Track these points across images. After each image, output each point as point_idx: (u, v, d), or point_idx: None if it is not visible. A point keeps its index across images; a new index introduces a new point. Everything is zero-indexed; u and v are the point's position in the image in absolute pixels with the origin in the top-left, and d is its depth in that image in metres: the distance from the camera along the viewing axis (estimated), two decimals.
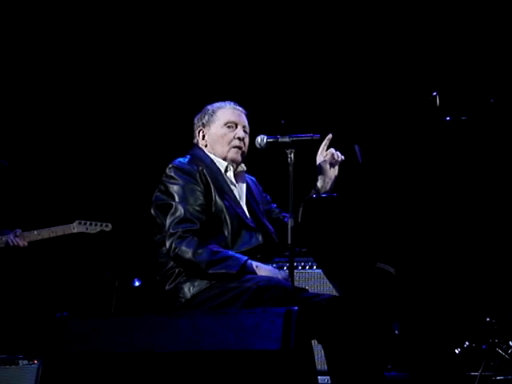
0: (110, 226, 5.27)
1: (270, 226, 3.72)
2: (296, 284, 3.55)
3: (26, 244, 4.96)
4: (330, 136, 3.71)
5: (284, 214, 3.84)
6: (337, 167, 3.72)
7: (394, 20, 5.98)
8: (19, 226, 5.04)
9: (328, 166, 3.70)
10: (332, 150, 3.70)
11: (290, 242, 3.41)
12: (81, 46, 6.33)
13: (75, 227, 5.13)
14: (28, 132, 6.27)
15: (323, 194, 3.63)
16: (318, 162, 3.72)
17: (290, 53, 6.20)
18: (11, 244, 4.90)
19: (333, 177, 3.71)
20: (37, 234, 5.02)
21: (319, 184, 3.69)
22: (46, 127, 6.35)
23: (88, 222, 5.18)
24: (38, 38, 6.26)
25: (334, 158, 3.70)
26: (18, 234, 4.94)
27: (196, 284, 3.44)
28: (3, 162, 5.00)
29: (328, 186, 3.69)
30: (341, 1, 6.11)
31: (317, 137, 3.57)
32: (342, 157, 3.71)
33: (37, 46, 6.27)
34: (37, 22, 6.22)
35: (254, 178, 3.91)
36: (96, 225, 5.21)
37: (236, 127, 3.73)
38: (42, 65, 6.31)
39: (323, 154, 3.71)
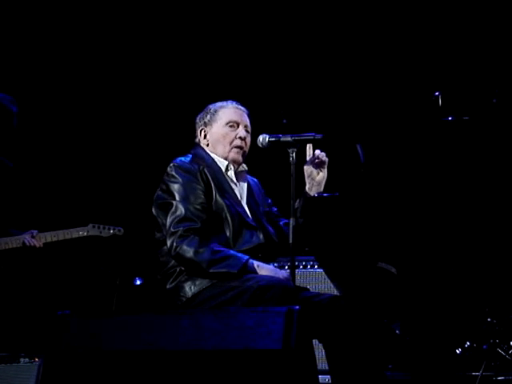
0: (122, 230, 5.30)
1: (270, 227, 3.71)
2: (297, 283, 3.54)
3: (42, 245, 4.99)
4: (311, 144, 3.58)
5: (280, 219, 3.83)
6: (324, 170, 3.62)
7: (397, 20, 5.98)
8: (28, 227, 5.06)
9: (314, 169, 3.60)
10: (317, 151, 3.60)
11: (291, 241, 3.40)
12: (82, 47, 6.33)
13: (89, 230, 5.17)
14: (42, 135, 6.29)
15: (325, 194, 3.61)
16: (304, 166, 3.63)
17: (292, 52, 6.20)
18: (28, 244, 4.92)
19: (321, 180, 3.61)
20: (52, 236, 5.04)
21: (307, 188, 3.62)
22: (60, 130, 6.36)
23: (102, 226, 5.21)
24: (39, 39, 6.26)
25: (318, 159, 3.60)
26: (34, 234, 4.97)
27: (197, 283, 3.44)
28: (8, 162, 5.01)
29: (315, 190, 3.61)
30: (343, 1, 6.11)
31: (319, 136, 3.55)
32: (326, 158, 3.61)
33: (39, 49, 6.28)
34: (37, 22, 6.22)
35: (256, 180, 3.90)
36: (109, 229, 5.25)
37: (238, 127, 3.72)
38: (54, 63, 6.32)
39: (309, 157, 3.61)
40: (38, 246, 4.95)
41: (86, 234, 5.17)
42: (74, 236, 5.13)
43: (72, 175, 6.36)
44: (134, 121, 6.46)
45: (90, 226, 5.18)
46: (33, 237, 4.95)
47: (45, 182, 6.22)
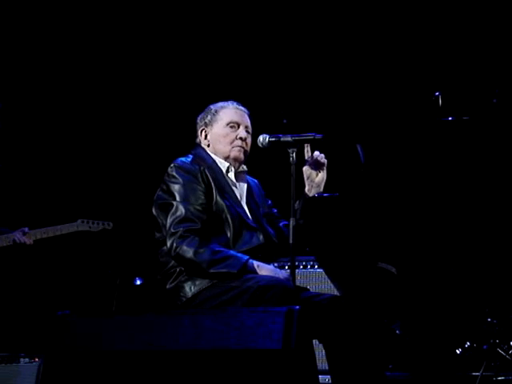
0: (111, 224, 5.34)
1: (270, 228, 3.71)
2: (297, 283, 3.54)
3: (32, 242, 5.00)
4: (308, 144, 3.58)
5: (280, 221, 3.82)
6: (323, 172, 3.62)
7: (397, 20, 5.98)
8: (17, 225, 5.07)
9: (313, 171, 3.61)
10: (316, 153, 3.60)
11: (291, 241, 3.40)
12: (81, 45, 6.33)
13: (78, 226, 5.20)
14: (30, 131, 6.28)
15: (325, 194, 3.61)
16: (303, 168, 3.63)
17: (292, 52, 6.20)
18: (18, 242, 4.93)
19: (320, 181, 3.61)
20: (42, 233, 5.07)
21: (306, 189, 3.62)
22: (48, 127, 6.35)
23: (91, 221, 5.24)
24: (37, 37, 6.25)
25: (317, 161, 3.59)
26: (25, 232, 4.98)
27: (197, 283, 3.44)
28: None
29: (314, 191, 3.60)
30: (343, 1, 6.11)
31: (319, 136, 3.55)
32: (325, 160, 3.61)
33: (35, 45, 6.27)
34: (36, 22, 6.21)
35: (256, 181, 3.90)
36: (98, 223, 5.29)
37: (238, 127, 3.72)
38: (44, 62, 6.31)
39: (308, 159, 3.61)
40: (28, 243, 4.97)
41: (75, 229, 5.20)
42: (63, 232, 5.16)
43: (60, 173, 6.35)
44: (134, 120, 6.46)
45: (79, 221, 5.22)
46: (24, 234, 4.97)
47: (33, 179, 6.21)
